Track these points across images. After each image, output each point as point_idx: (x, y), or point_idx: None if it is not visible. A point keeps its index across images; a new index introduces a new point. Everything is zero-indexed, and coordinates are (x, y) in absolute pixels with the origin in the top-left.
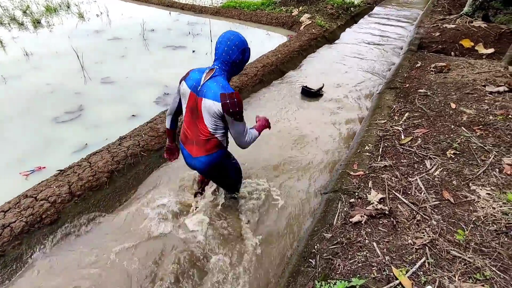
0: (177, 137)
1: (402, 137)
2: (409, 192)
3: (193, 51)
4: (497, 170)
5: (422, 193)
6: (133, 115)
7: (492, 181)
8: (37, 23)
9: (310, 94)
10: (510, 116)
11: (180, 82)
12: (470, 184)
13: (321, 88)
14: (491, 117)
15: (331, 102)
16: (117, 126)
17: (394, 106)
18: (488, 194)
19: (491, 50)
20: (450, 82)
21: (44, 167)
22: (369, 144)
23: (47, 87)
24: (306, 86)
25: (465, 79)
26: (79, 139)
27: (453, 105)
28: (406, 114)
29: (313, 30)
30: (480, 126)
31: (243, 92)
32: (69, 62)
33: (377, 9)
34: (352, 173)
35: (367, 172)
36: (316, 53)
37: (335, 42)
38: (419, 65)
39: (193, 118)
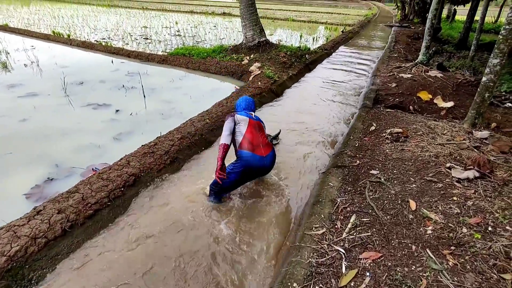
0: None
1: (343, 269)
2: None
3: (117, 111)
4: None
5: None
6: None
7: None
8: None
9: None
10: (489, 228)
11: (232, 115)
12: None
13: (277, 135)
14: (464, 230)
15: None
16: None
17: (339, 200)
18: None
19: (450, 104)
20: (408, 159)
21: None
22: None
23: None
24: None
25: (426, 153)
26: None
27: (413, 205)
28: (353, 218)
29: (259, 83)
30: (452, 248)
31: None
32: None
33: (336, 54)
34: None
35: None
36: (258, 111)
37: (282, 96)
38: (373, 128)
39: (257, 132)
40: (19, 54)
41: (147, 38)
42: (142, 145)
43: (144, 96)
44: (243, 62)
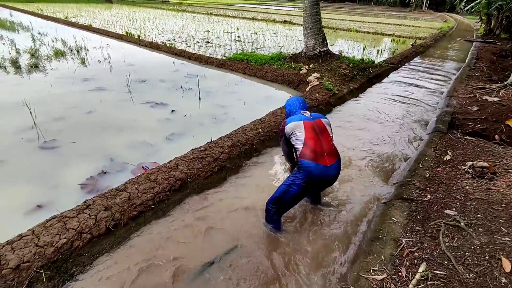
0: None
1: None
2: None
3: (172, 111)
4: None
5: None
6: (38, 206)
7: None
8: (34, 67)
9: None
10: None
11: (283, 130)
12: None
13: None
14: None
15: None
16: (5, 224)
17: (404, 241)
18: None
19: None
20: (497, 202)
21: None
22: None
23: None
24: None
25: None
26: None
27: (507, 265)
28: (422, 268)
29: (317, 95)
30: None
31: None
32: (26, 117)
33: (404, 69)
34: None
35: None
36: None
37: (341, 110)
38: (449, 157)
39: (318, 135)
40: (95, 51)
41: (208, 42)
42: (192, 149)
43: (200, 99)
44: (301, 72)
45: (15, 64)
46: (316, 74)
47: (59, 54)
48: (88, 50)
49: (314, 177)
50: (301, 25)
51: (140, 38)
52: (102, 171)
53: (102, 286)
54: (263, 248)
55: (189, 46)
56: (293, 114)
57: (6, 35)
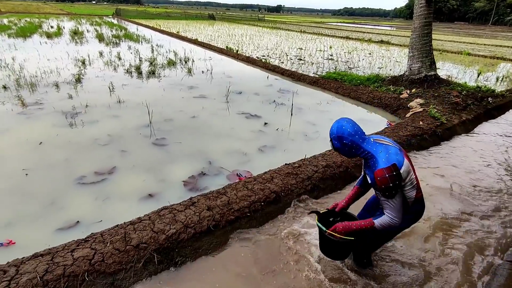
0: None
1: None
2: None
3: (265, 124)
4: None
5: None
6: (149, 195)
7: None
8: (151, 73)
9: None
10: None
11: (399, 180)
12: None
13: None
14: None
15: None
16: (124, 206)
17: None
18: None
19: None
20: None
21: (14, 243)
22: None
23: (105, 138)
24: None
25: None
26: (77, 213)
27: None
28: None
29: (421, 122)
30: None
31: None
32: (144, 115)
33: None
34: None
35: None
36: (412, 157)
37: (449, 144)
38: None
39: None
40: (200, 63)
41: (301, 59)
42: (285, 164)
43: (292, 114)
44: (401, 96)
45: (138, 70)
46: (419, 100)
47: (171, 63)
48: (194, 61)
49: (422, 211)
50: (400, 45)
51: (238, 52)
52: (202, 172)
53: (199, 279)
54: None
55: (282, 62)
56: (357, 147)
57: (134, 46)
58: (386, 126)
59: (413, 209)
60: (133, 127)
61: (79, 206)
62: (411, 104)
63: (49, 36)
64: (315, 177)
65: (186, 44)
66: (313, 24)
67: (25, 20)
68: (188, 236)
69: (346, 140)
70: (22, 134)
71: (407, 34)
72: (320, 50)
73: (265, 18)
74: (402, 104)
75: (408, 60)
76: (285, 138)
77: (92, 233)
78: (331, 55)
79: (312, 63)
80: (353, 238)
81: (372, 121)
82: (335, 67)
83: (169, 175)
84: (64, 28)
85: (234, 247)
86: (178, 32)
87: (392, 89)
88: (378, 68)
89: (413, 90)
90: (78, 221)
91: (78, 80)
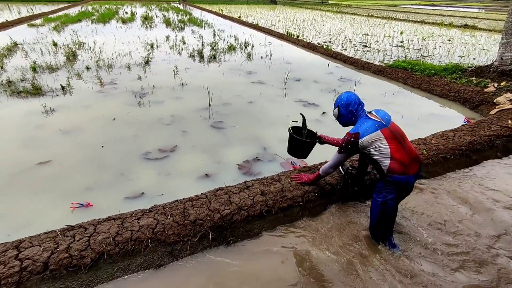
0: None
1: None
2: None
3: (323, 113)
4: None
5: None
6: (206, 175)
7: None
8: (212, 58)
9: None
10: None
11: (352, 145)
12: None
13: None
14: None
15: None
16: (183, 183)
17: None
18: None
19: None
20: None
21: (92, 205)
22: None
23: (168, 118)
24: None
25: None
26: (142, 185)
27: None
28: None
29: (510, 122)
30: None
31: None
32: (203, 98)
33: None
34: None
35: None
36: (489, 166)
37: None
38: None
39: (401, 143)
40: (259, 48)
41: (366, 46)
42: None
43: None
44: (486, 90)
45: (200, 54)
46: (509, 95)
47: (231, 48)
48: (253, 46)
49: (404, 189)
50: (489, 31)
51: (299, 38)
52: (256, 157)
53: (249, 259)
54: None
55: (345, 49)
56: (356, 116)
57: (197, 31)
58: (463, 123)
59: (390, 179)
60: (194, 109)
61: (144, 179)
62: (499, 99)
63: (124, 21)
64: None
65: (246, 29)
66: (383, 7)
67: (105, 7)
68: (241, 218)
69: (352, 108)
70: (99, 110)
71: (500, 17)
72: (389, 36)
73: (329, 2)
74: (486, 99)
75: (499, 48)
76: (344, 129)
77: (155, 205)
78: (402, 42)
79: (379, 51)
80: (317, 141)
81: (445, 117)
82: (405, 55)
83: (224, 157)
84: (136, 13)
85: (284, 233)
86: (239, 17)
87: (474, 81)
88: (458, 57)
89: (503, 84)
90: (143, 193)
91: (147, 62)
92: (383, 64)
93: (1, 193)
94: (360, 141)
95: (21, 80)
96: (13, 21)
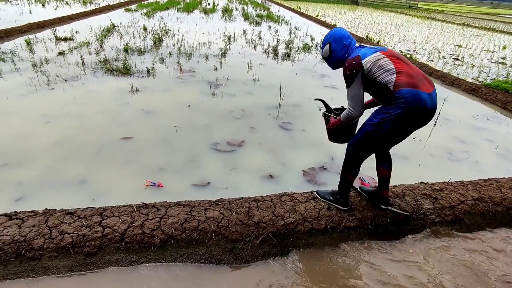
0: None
1: None
2: None
3: None
4: None
5: None
6: (270, 175)
7: None
8: (286, 56)
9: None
10: None
11: (357, 70)
12: None
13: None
14: None
15: None
16: (247, 179)
17: None
18: None
19: None
20: None
21: (162, 186)
22: None
23: (239, 112)
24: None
25: None
26: (209, 175)
27: None
28: None
29: None
30: None
31: None
32: (274, 96)
33: None
34: None
35: None
36: None
37: None
38: None
39: (406, 62)
40: None
41: (457, 59)
42: (422, 182)
43: (435, 124)
44: None
45: (275, 51)
46: None
47: (306, 48)
48: None
49: (417, 107)
50: None
51: (379, 44)
52: (323, 166)
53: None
54: None
55: (432, 60)
56: (349, 50)
57: (273, 27)
58: None
59: (398, 95)
60: (264, 106)
61: (211, 169)
62: None
63: (205, 12)
64: (459, 208)
65: (323, 29)
66: (482, 16)
67: None
68: (305, 229)
69: (346, 41)
70: (177, 95)
71: None
72: (488, 50)
73: (418, 6)
74: None
75: None
76: (421, 150)
77: (221, 198)
78: (503, 58)
79: (473, 66)
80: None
81: None
82: (507, 75)
83: (290, 161)
84: (218, 5)
85: (346, 253)
86: (317, 16)
87: None
88: None
89: None
90: (208, 182)
91: (223, 54)
92: (478, 82)
93: (90, 161)
94: (363, 62)
95: (115, 60)
96: (114, 5)
